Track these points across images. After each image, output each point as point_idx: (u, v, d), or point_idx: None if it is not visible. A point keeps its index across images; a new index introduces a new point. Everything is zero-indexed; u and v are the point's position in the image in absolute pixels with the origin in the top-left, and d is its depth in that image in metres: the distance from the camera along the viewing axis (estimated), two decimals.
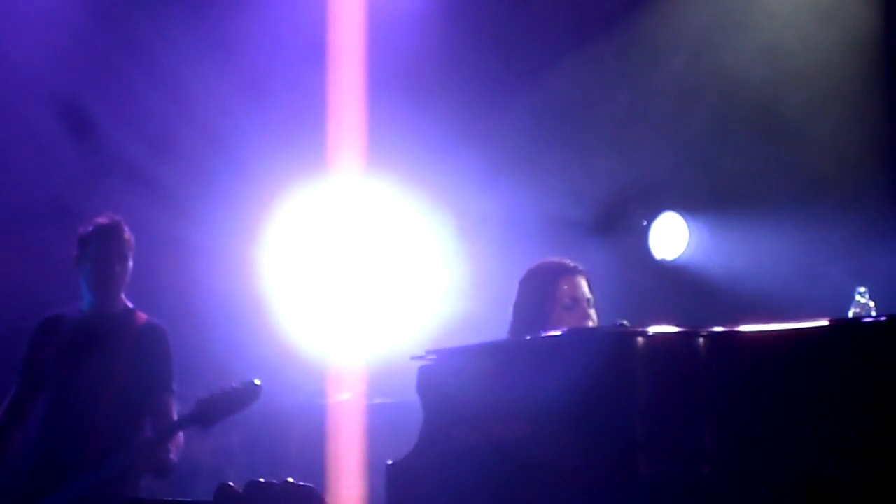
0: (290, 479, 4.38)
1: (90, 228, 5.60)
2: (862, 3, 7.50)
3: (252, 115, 7.25)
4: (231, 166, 7.26)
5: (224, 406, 5.27)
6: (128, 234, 5.62)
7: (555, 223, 7.27)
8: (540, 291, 4.88)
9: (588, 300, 4.91)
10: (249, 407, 5.32)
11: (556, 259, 5.00)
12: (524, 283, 4.95)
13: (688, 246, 7.76)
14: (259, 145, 7.28)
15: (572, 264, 4.97)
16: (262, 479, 4.39)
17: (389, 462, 4.33)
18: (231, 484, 4.38)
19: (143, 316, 5.65)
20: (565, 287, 4.88)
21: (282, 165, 7.27)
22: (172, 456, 5.41)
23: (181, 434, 5.44)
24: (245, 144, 7.26)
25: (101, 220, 5.62)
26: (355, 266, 7.47)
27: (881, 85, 7.49)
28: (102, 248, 5.53)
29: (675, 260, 7.79)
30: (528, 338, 4.42)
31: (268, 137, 7.29)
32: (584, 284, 4.92)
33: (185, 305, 6.19)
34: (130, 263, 5.61)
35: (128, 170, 7.02)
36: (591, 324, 4.82)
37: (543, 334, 4.25)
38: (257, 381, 5.30)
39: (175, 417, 5.45)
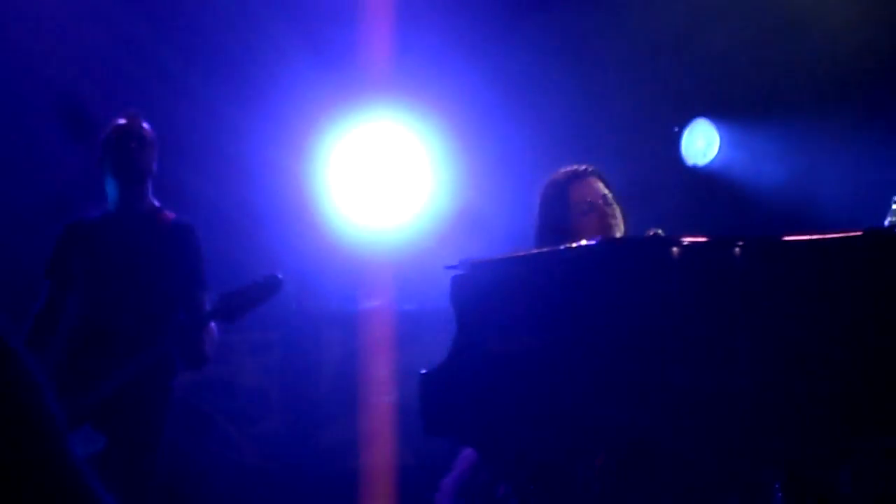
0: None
1: (109, 129, 5.60)
2: None
3: (291, 36, 7.21)
4: (270, 82, 7.24)
5: (247, 299, 5.33)
6: (148, 130, 5.61)
7: (583, 137, 7.22)
8: (555, 203, 4.86)
9: (605, 197, 4.86)
10: (271, 299, 5.38)
11: (565, 168, 4.97)
12: (541, 199, 4.93)
13: (719, 152, 7.71)
14: (297, 67, 7.26)
15: (581, 167, 4.94)
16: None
17: (423, 371, 4.34)
18: None
19: (170, 214, 5.65)
20: (578, 192, 4.85)
21: (320, 87, 7.25)
22: (206, 347, 5.44)
23: (214, 327, 5.47)
24: (283, 64, 7.23)
25: (120, 119, 5.62)
26: (388, 175, 7.46)
27: None
28: (123, 146, 5.53)
29: (706, 166, 7.74)
30: (562, 248, 4.39)
31: (306, 58, 7.26)
32: (597, 184, 4.88)
33: (220, 213, 6.18)
34: (153, 161, 5.60)
35: (167, 77, 6.99)
36: (612, 221, 4.80)
37: (576, 245, 4.22)
38: (279, 275, 5.35)
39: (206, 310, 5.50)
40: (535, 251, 4.48)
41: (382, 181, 7.43)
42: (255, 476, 7.32)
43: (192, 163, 6.66)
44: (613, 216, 4.84)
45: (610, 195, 4.89)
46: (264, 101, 7.18)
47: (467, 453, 4.86)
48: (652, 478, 3.98)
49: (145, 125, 5.60)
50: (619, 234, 4.81)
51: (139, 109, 5.71)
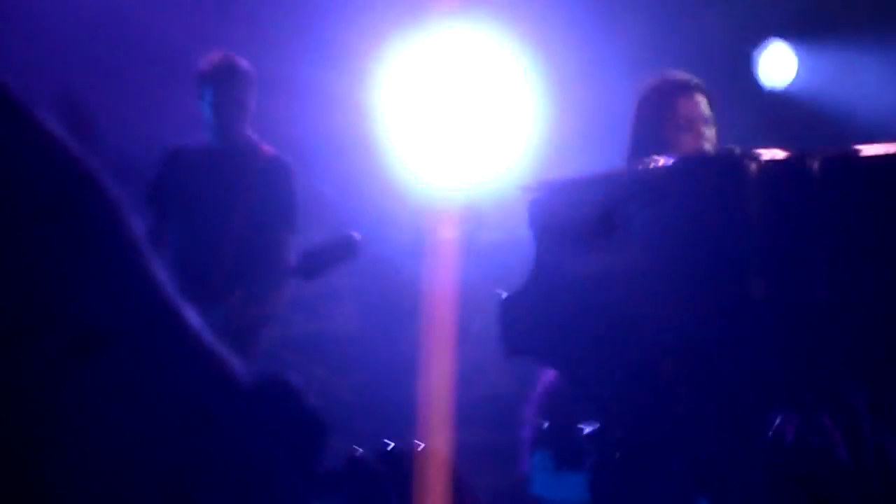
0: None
1: (209, 64, 5.60)
2: None
3: None
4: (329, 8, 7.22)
5: (326, 259, 5.32)
6: (244, 69, 5.61)
7: (654, 61, 7.16)
8: (654, 112, 4.71)
9: (706, 119, 4.71)
10: (350, 260, 5.36)
11: (673, 75, 4.84)
12: (641, 102, 4.75)
13: (797, 74, 7.62)
14: None
15: (690, 80, 4.77)
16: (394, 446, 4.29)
17: (503, 295, 4.35)
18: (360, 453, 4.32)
19: (269, 149, 5.66)
20: (681, 106, 4.71)
21: (384, 7, 7.22)
22: (278, 301, 5.48)
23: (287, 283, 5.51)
24: None
25: (215, 58, 5.63)
26: (460, 103, 7.43)
27: None
28: (217, 92, 5.55)
29: (784, 89, 7.66)
30: (640, 167, 4.37)
31: None
32: (702, 102, 4.71)
33: (286, 144, 6.20)
34: (250, 99, 5.62)
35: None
36: (707, 145, 4.67)
37: (654, 163, 4.20)
38: (357, 235, 5.31)
39: (291, 258, 5.51)
40: (611, 170, 4.46)
41: (458, 110, 7.38)
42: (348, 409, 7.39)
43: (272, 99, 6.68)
44: (710, 139, 4.71)
45: (711, 114, 4.74)
46: (322, 30, 7.14)
47: (548, 376, 4.88)
48: (727, 392, 3.99)
49: (241, 69, 5.60)
50: None
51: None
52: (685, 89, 4.71)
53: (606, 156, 4.98)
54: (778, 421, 3.93)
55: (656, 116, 4.69)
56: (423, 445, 4.28)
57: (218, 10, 7.05)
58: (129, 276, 1.16)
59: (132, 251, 1.15)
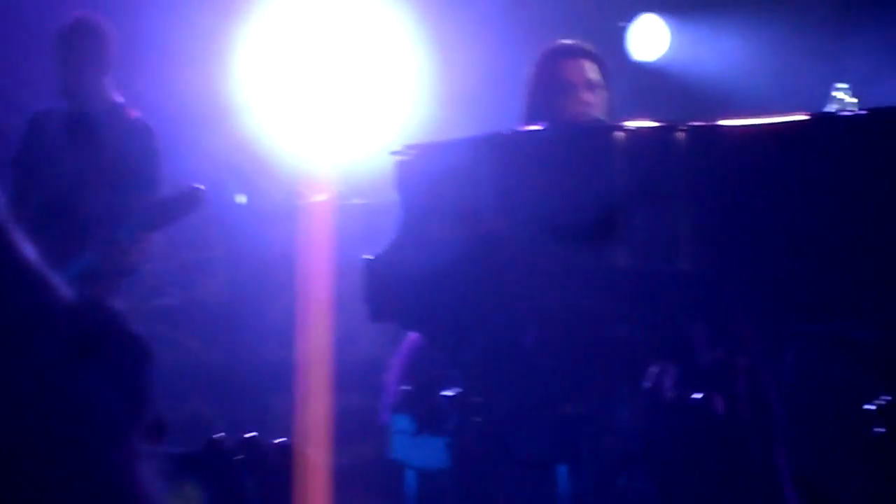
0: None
1: (62, 26, 5.54)
2: None
3: None
4: None
5: (167, 210, 5.30)
6: (92, 25, 5.53)
7: (531, 27, 7.17)
8: (541, 75, 4.76)
9: (590, 83, 4.74)
10: (193, 212, 5.34)
11: (563, 41, 4.85)
12: (533, 66, 4.80)
13: (667, 48, 7.69)
14: None
15: (576, 45, 4.81)
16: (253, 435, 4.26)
17: (366, 256, 4.33)
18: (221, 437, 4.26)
19: (132, 112, 5.60)
20: (565, 69, 4.74)
21: None
22: (134, 257, 5.43)
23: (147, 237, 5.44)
24: None
25: (70, 19, 5.55)
26: (328, 65, 7.35)
27: None
28: (63, 49, 5.48)
29: (654, 62, 7.72)
30: (506, 132, 4.38)
31: None
32: (587, 67, 4.74)
33: (152, 107, 6.10)
34: (102, 57, 5.53)
35: None
36: (585, 108, 4.68)
37: (522, 128, 4.21)
38: (200, 186, 5.30)
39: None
40: (480, 134, 4.45)
41: (328, 67, 7.31)
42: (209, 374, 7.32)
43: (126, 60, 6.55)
44: (591, 103, 4.71)
45: (598, 79, 4.75)
46: None
47: (412, 338, 4.87)
48: (590, 357, 4.01)
49: (94, 29, 5.52)
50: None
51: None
52: (570, 53, 4.76)
53: (487, 122, 4.98)
54: (654, 373, 3.96)
55: (543, 80, 4.74)
56: (285, 440, 4.25)
57: None
58: None
59: None
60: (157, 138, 5.58)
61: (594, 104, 4.73)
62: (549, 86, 4.74)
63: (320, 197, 7.14)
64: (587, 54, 4.79)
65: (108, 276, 5.43)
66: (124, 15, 6.09)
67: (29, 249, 1.13)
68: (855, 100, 4.50)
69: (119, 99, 5.58)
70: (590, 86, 4.75)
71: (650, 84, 7.47)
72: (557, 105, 4.72)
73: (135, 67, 6.22)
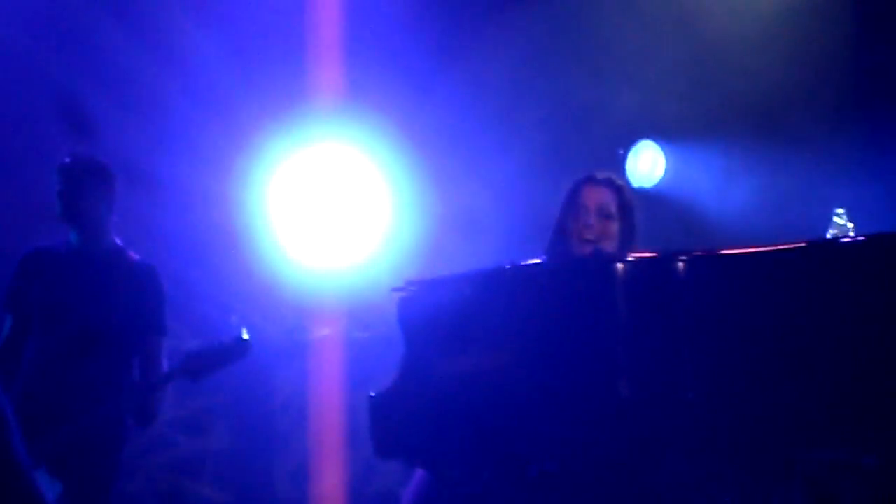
0: None
1: (56, 168, 5.51)
2: None
3: (227, 51, 7.17)
4: (206, 101, 7.20)
5: (213, 360, 5.25)
6: (96, 168, 5.50)
7: (530, 156, 7.26)
8: (564, 201, 4.84)
9: (602, 208, 4.78)
10: (238, 362, 5.30)
11: (593, 172, 4.92)
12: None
13: (665, 174, 7.75)
14: (235, 80, 7.21)
15: (598, 174, 4.88)
16: None
17: (371, 394, 4.34)
18: None
19: (134, 255, 5.57)
20: (583, 195, 4.80)
21: (261, 99, 7.21)
22: (158, 406, 5.39)
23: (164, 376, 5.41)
24: (220, 79, 7.19)
25: (69, 157, 5.54)
26: (333, 200, 7.43)
27: (867, 16, 7.51)
28: (65, 185, 5.46)
29: (652, 188, 7.79)
30: (508, 266, 4.40)
31: (244, 73, 7.22)
32: (605, 194, 4.80)
33: (160, 241, 6.14)
34: (102, 200, 5.50)
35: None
36: (590, 235, 4.71)
37: (523, 263, 4.24)
38: (246, 336, 5.26)
39: (165, 361, 5.42)
40: (481, 269, 4.48)
41: (331, 206, 7.39)
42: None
43: (135, 192, 6.62)
44: (597, 227, 4.76)
45: (613, 208, 4.80)
46: (194, 123, 7.11)
47: (419, 475, 4.85)
48: (596, 489, 3.99)
49: (96, 169, 5.48)
50: (603, 247, 4.74)
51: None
52: (591, 180, 4.82)
53: (490, 251, 5.02)
54: None
55: (564, 203, 4.81)
56: None
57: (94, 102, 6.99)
58: None
59: None
60: (160, 279, 5.56)
61: (604, 230, 4.77)
62: (568, 209, 4.82)
63: (326, 331, 7.17)
64: (608, 183, 4.85)
65: (131, 423, 5.39)
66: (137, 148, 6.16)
67: (21, 450, 1.15)
68: (851, 224, 4.53)
69: (119, 242, 5.57)
70: (602, 212, 4.79)
71: (649, 209, 7.52)
72: (570, 227, 4.77)
73: (152, 204, 6.28)
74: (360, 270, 7.27)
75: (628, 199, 4.86)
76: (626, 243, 4.78)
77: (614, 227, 4.78)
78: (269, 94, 7.18)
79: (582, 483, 4.00)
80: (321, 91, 7.23)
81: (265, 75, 7.18)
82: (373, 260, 7.33)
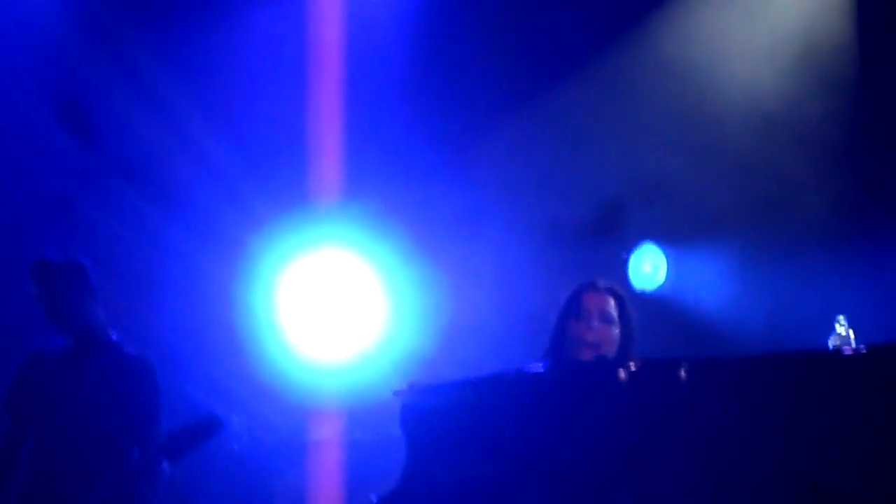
0: None
1: (31, 266, 5.52)
2: (835, 48, 7.60)
3: (228, 144, 7.23)
4: (207, 197, 7.23)
5: (188, 439, 5.26)
6: (71, 267, 5.51)
7: (533, 258, 7.29)
8: (564, 305, 4.88)
9: (604, 314, 4.82)
10: (213, 439, 5.31)
11: (593, 278, 4.98)
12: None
13: (667, 277, 7.78)
14: (235, 178, 7.26)
15: (600, 280, 4.94)
16: None
17: (373, 500, 4.33)
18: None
19: (130, 350, 5.58)
20: (584, 300, 4.84)
21: (260, 197, 7.25)
22: (154, 490, 5.38)
23: (165, 467, 5.41)
24: (221, 176, 7.24)
25: (43, 257, 5.53)
26: (333, 300, 7.45)
27: (857, 125, 7.59)
28: (42, 288, 5.47)
29: (654, 291, 7.81)
30: (510, 372, 4.42)
31: (244, 170, 7.27)
32: (606, 300, 4.85)
33: (158, 341, 6.14)
34: (86, 297, 5.49)
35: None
36: (591, 338, 4.74)
37: (525, 369, 4.25)
38: (220, 415, 5.29)
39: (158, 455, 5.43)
40: (483, 375, 4.49)
41: (331, 310, 7.42)
42: None
43: (136, 293, 6.65)
44: (601, 333, 4.80)
45: (614, 313, 4.85)
46: (207, 228, 7.14)
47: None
48: None
49: (64, 262, 5.47)
50: (602, 351, 4.76)
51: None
52: (593, 287, 4.86)
53: (493, 357, 5.03)
54: None
55: (565, 307, 4.83)
56: None
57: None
58: None
59: None
60: (155, 374, 5.56)
61: (605, 335, 4.79)
62: (568, 312, 4.84)
63: (327, 432, 7.15)
64: (609, 290, 4.90)
65: None
66: (134, 258, 6.18)
67: None
68: (852, 331, 4.56)
69: (115, 336, 5.57)
70: (604, 317, 4.83)
71: (651, 313, 7.54)
72: (570, 331, 4.80)
73: (150, 304, 6.29)
74: (359, 371, 7.27)
75: (628, 307, 4.91)
76: (626, 349, 4.81)
77: (615, 332, 4.81)
78: (273, 194, 7.22)
79: None
80: (323, 193, 7.28)
81: (269, 176, 7.23)
82: (372, 361, 7.34)
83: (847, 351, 4.08)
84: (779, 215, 7.55)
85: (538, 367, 4.22)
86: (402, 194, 7.32)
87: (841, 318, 4.62)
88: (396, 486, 4.28)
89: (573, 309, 4.85)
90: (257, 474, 7.40)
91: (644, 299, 7.74)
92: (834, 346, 4.56)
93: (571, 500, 3.90)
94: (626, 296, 4.95)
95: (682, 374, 3.96)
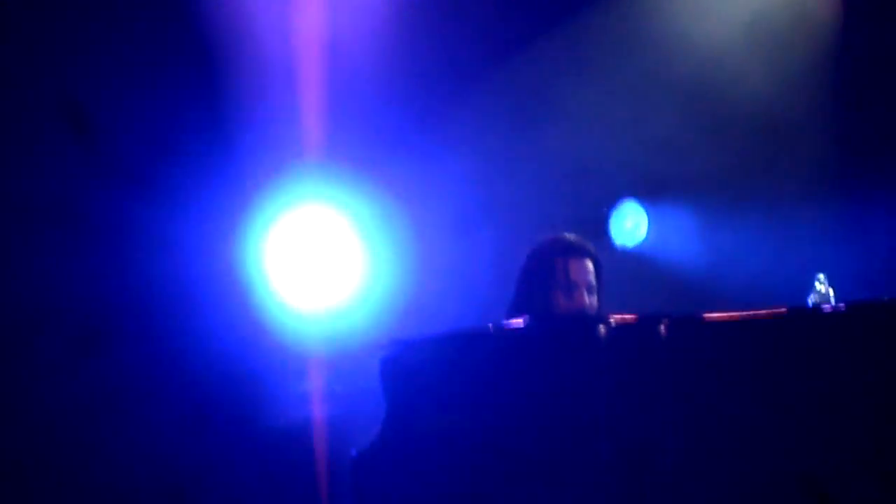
0: None
1: None
2: (818, 6, 7.61)
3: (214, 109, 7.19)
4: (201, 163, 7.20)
5: None
6: None
7: (515, 213, 7.28)
8: (540, 270, 4.80)
9: (590, 284, 4.79)
10: None
11: (563, 236, 4.90)
12: (528, 259, 4.84)
13: (648, 234, 7.77)
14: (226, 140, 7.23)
15: (578, 244, 4.87)
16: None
17: (353, 453, 4.34)
18: None
19: None
20: (565, 268, 4.78)
21: (250, 157, 7.21)
22: None
23: None
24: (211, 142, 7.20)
25: None
26: (319, 253, 7.43)
27: (844, 82, 7.58)
28: None
29: (635, 248, 7.80)
30: (491, 327, 4.43)
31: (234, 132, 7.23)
32: (587, 267, 4.80)
33: (144, 292, 6.14)
34: None
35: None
36: (584, 310, 4.73)
37: (506, 324, 4.25)
38: None
39: None
40: (464, 329, 4.49)
41: (314, 263, 7.39)
42: None
43: (126, 246, 6.61)
44: (591, 306, 4.78)
45: (595, 286, 4.81)
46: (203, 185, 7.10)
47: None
48: None
49: None
50: None
51: None
52: (576, 251, 4.80)
53: (471, 315, 5.03)
54: None
55: (543, 274, 4.78)
56: None
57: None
58: None
59: None
60: None
61: (591, 306, 4.79)
62: (551, 283, 4.78)
63: (309, 384, 7.16)
64: (589, 254, 4.84)
65: None
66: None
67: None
68: (832, 290, 4.57)
69: None
70: (590, 289, 4.80)
71: (632, 271, 7.54)
72: (558, 301, 4.77)
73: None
74: (340, 323, 7.26)
75: (603, 270, 4.87)
76: (601, 310, 4.80)
77: (595, 299, 4.81)
78: (263, 153, 7.19)
79: None
80: (307, 153, 7.26)
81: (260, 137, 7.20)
82: (352, 313, 7.32)
83: (826, 308, 4.10)
84: (760, 173, 7.55)
85: (519, 322, 4.22)
86: (381, 154, 7.30)
87: (821, 276, 4.63)
88: (376, 440, 4.29)
89: (558, 280, 4.78)
90: (240, 426, 7.40)
91: (625, 256, 7.75)
92: (813, 304, 4.57)
93: (550, 453, 3.92)
94: (600, 256, 4.91)
95: (662, 330, 3.98)
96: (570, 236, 4.89)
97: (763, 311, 4.04)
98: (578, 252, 4.81)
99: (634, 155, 7.59)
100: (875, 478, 3.80)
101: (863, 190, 7.32)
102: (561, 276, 4.77)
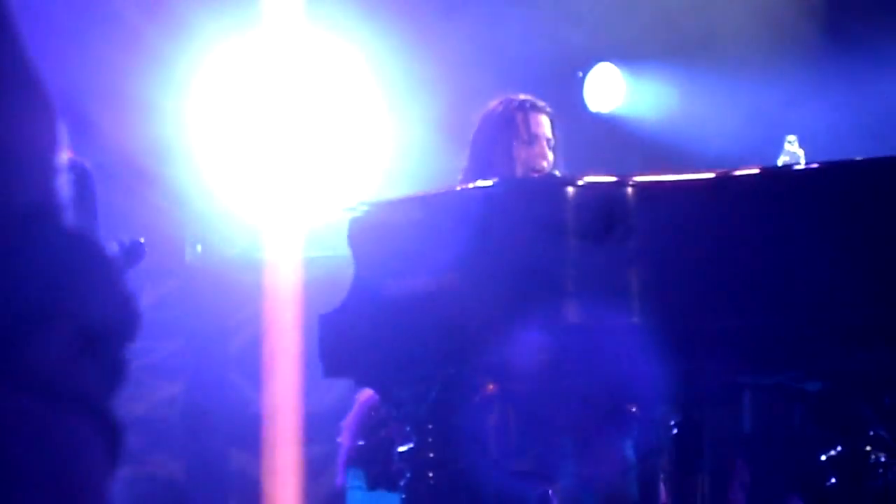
0: None
1: None
2: None
3: None
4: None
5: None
6: None
7: (486, 80, 7.21)
8: (499, 126, 4.81)
9: (548, 140, 4.83)
10: (134, 265, 5.26)
11: (518, 95, 4.93)
12: (484, 117, 4.87)
13: (624, 98, 7.74)
14: None
15: (535, 101, 4.90)
16: None
17: (321, 313, 4.34)
18: None
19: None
20: (525, 122, 4.81)
21: (213, 8, 7.06)
22: None
23: None
24: None
25: None
26: (292, 116, 7.33)
27: None
28: None
29: (610, 112, 7.77)
30: (459, 188, 4.42)
31: None
32: (546, 123, 4.85)
33: (113, 157, 6.07)
34: None
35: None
36: (546, 164, 4.78)
37: (474, 185, 4.23)
38: (142, 240, 5.24)
39: None
40: (432, 191, 4.48)
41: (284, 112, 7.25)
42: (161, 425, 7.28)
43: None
44: (548, 161, 4.81)
45: (553, 140, 4.85)
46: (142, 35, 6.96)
47: (366, 394, 4.87)
48: (542, 408, 4.03)
49: None
50: None
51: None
52: (532, 107, 4.82)
53: (444, 175, 5.02)
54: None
55: (501, 131, 4.78)
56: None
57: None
58: None
59: None
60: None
61: (550, 161, 4.82)
62: (514, 137, 4.79)
63: (281, 249, 7.14)
64: (545, 111, 4.88)
65: None
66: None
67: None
68: (801, 151, 4.56)
69: None
70: (549, 143, 4.84)
71: (607, 135, 7.52)
72: (520, 156, 4.77)
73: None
74: (317, 187, 7.22)
75: (557, 129, 4.92)
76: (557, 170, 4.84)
77: (552, 156, 4.86)
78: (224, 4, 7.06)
79: (528, 406, 4.04)
80: None
81: None
82: (329, 176, 7.29)
83: (796, 166, 4.09)
84: (735, 34, 7.49)
85: (487, 183, 4.20)
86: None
87: (791, 137, 4.61)
88: (344, 300, 4.29)
89: (517, 131, 4.80)
90: (214, 288, 7.41)
91: (600, 120, 7.72)
92: (784, 164, 4.56)
93: (517, 316, 3.92)
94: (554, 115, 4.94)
95: (630, 192, 3.96)
96: (523, 95, 4.92)
97: (733, 172, 4.04)
98: (535, 107, 4.84)
99: (611, 17, 7.52)
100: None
101: (841, 53, 7.27)
102: (522, 128, 4.78)
